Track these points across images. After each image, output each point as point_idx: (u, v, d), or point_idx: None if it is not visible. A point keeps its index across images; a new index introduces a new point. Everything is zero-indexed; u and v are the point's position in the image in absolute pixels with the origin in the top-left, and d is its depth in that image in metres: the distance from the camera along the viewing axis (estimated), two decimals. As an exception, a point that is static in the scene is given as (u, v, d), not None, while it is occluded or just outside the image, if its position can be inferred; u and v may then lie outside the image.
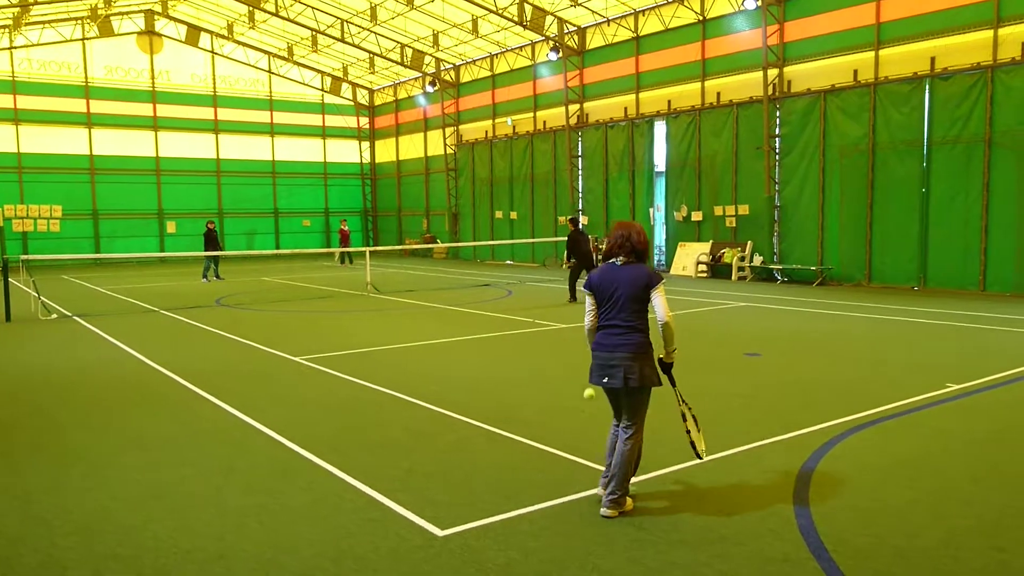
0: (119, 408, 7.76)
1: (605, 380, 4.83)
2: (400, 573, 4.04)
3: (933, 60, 17.60)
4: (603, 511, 4.75)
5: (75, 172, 32.53)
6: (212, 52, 35.40)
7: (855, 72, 19.10)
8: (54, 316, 15.02)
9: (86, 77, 32.61)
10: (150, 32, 33.82)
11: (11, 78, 31.12)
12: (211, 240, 23.33)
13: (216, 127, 35.73)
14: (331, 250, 30.09)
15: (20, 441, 6.63)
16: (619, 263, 4.92)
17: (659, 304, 4.81)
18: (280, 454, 6.12)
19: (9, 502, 5.17)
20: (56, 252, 29.94)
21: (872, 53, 18.76)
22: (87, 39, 32.48)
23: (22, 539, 4.56)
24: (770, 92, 20.57)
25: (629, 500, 4.88)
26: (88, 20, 31.76)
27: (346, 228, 29.50)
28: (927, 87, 17.65)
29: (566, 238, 16.66)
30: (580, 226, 16.87)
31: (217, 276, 23.59)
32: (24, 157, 31.47)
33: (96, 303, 17.61)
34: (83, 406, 7.89)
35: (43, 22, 31.03)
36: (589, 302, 5.00)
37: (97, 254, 31.99)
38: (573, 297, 16.20)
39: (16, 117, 31.34)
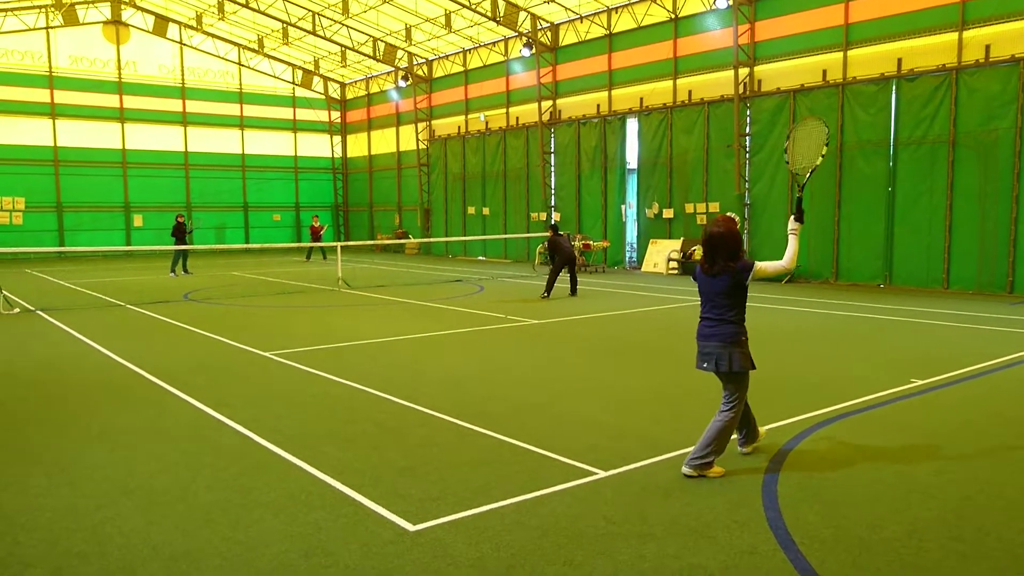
0: (84, 404, 7.63)
1: (704, 365, 5.38)
2: (371, 568, 4.02)
3: (900, 61, 17.90)
4: (684, 469, 5.26)
5: (38, 164, 31.88)
6: (180, 43, 34.87)
7: (824, 72, 19.35)
8: (16, 311, 14.72)
9: (50, 67, 31.94)
10: (116, 22, 33.23)
11: (-29, 67, 30.43)
12: (179, 233, 22.97)
13: (184, 119, 35.21)
14: (304, 245, 29.74)
15: (-19, 437, 6.50)
16: (706, 266, 5.35)
17: (772, 268, 5.35)
18: (249, 450, 6.06)
19: (-31, 499, 5.06)
20: (18, 245, 29.30)
21: (840, 54, 19.02)
22: (51, 28, 31.81)
23: (-17, 536, 4.47)
24: (740, 91, 20.76)
25: (719, 468, 5.31)
26: (52, 8, 31.09)
27: (317, 224, 29.15)
28: (894, 88, 17.95)
29: (546, 243, 16.92)
30: (559, 231, 17.18)
31: (185, 270, 23.26)
32: (-15, 148, 30.79)
33: (60, 297, 17.29)
34: (47, 402, 7.75)
35: (5, 10, 30.32)
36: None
37: (61, 247, 31.38)
38: (548, 293, 16.31)
39: (-23, 107, 30.65)
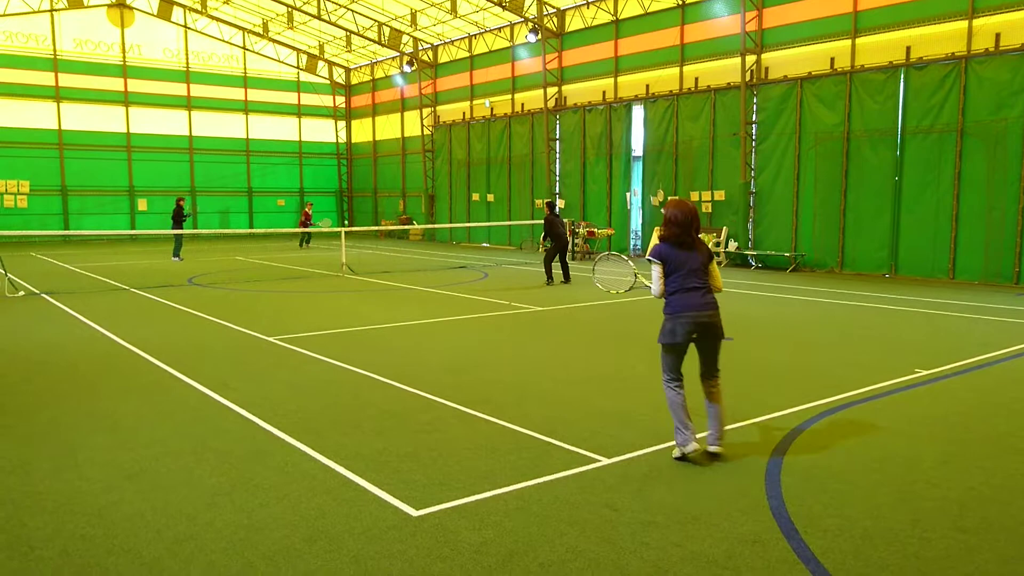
0: (89, 387, 7.65)
1: (696, 336, 5.46)
2: (374, 553, 4.03)
3: (908, 49, 17.75)
4: (716, 448, 5.41)
5: (43, 147, 31.86)
6: (185, 27, 34.75)
7: (832, 60, 19.21)
8: (21, 293, 14.75)
9: (55, 50, 31.86)
10: (121, 5, 33.10)
11: (-24, 49, 30.36)
12: (177, 217, 22.79)
13: (189, 103, 35.14)
14: (306, 230, 29.59)
15: (-14, 419, 6.52)
16: (687, 240, 5.53)
17: (717, 273, 5.64)
18: (253, 434, 6.07)
19: (-25, 481, 5.08)
20: (23, 228, 29.35)
21: (849, 41, 18.87)
22: (56, 10, 31.71)
23: (-12, 518, 4.49)
24: (747, 78, 20.64)
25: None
26: (57, -9, 30.99)
27: (309, 211, 28.80)
28: (902, 76, 17.82)
29: (543, 221, 16.78)
30: (556, 210, 16.93)
31: (175, 255, 22.91)
32: (-10, 131, 30.76)
33: (65, 281, 17.31)
34: (51, 385, 7.77)
35: (10, -8, 30.23)
36: None
37: (66, 231, 31.41)
38: (550, 279, 16.26)
39: (-18, 89, 30.60)
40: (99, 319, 11.72)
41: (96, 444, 5.83)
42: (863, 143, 18.56)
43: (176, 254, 22.85)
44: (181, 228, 22.76)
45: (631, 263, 6.11)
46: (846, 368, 8.41)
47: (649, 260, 5.60)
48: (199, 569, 3.88)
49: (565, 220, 19.55)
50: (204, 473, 5.21)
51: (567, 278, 16.70)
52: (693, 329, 5.38)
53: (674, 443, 5.46)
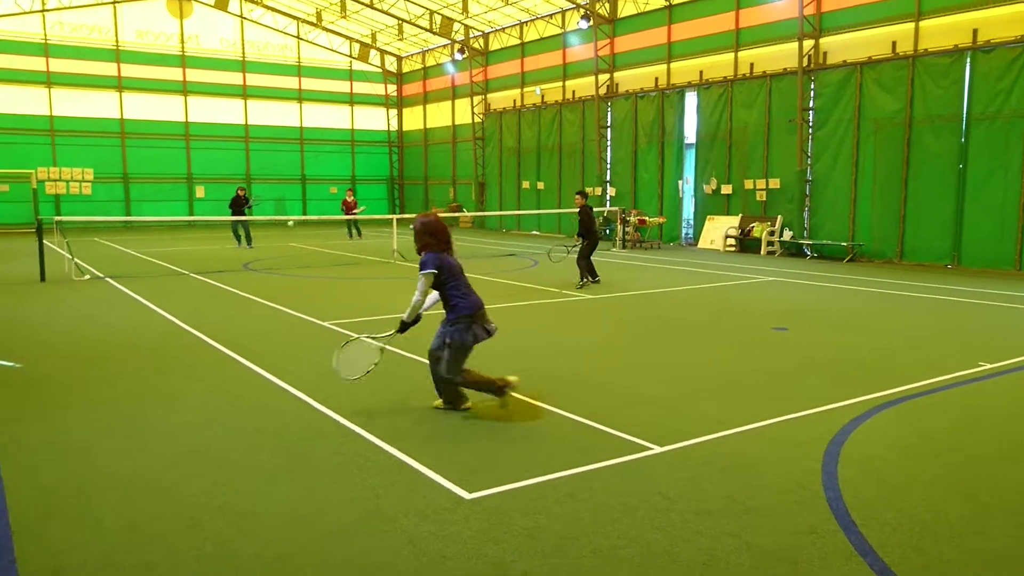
0: (153, 368, 7.89)
1: (486, 335, 6.25)
2: (428, 533, 4.10)
3: (975, 32, 17.12)
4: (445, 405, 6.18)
5: (106, 136, 32.82)
6: (241, 17, 35.36)
7: (893, 44, 18.64)
8: (87, 277, 15.27)
9: (117, 41, 32.73)
10: (180, -4, 33.83)
11: (43, 41, 31.32)
12: (236, 205, 23.00)
13: (244, 92, 35.79)
14: (356, 217, 28.97)
15: (53, 399, 6.79)
16: (451, 250, 6.38)
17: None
18: (309, 416, 6.21)
19: (45, 455, 5.30)
20: (87, 215, 30.30)
21: (912, 24, 18.28)
22: (118, 2, 32.56)
23: (57, 491, 4.68)
24: (805, 64, 20.17)
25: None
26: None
27: (351, 199, 27.41)
28: (968, 60, 17.20)
29: (578, 212, 14.48)
30: (587, 198, 14.61)
31: (241, 243, 23.04)
32: (56, 120, 31.77)
33: (127, 265, 17.87)
34: (117, 366, 8.04)
35: (75, -15, 31.12)
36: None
37: (127, 217, 32.36)
38: (595, 277, 14.33)
39: (48, 80, 31.59)
40: (160, 302, 12.07)
41: (158, 424, 6.03)
42: (925, 130, 18.00)
43: (247, 242, 22.73)
44: (242, 216, 22.86)
45: (375, 343, 6.06)
46: (906, 360, 8.21)
47: (424, 273, 5.95)
48: (260, 544, 3.99)
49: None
50: (263, 454, 5.34)
51: (595, 277, 14.30)
52: (486, 332, 6.10)
53: (730, 432, 5.39)
